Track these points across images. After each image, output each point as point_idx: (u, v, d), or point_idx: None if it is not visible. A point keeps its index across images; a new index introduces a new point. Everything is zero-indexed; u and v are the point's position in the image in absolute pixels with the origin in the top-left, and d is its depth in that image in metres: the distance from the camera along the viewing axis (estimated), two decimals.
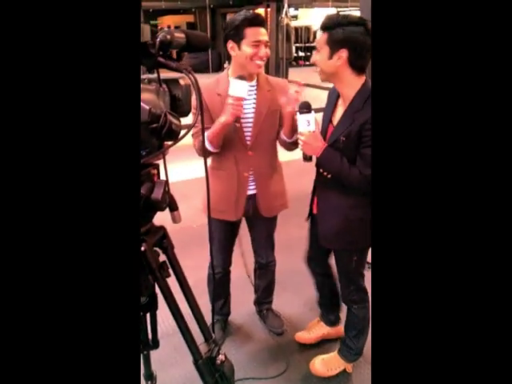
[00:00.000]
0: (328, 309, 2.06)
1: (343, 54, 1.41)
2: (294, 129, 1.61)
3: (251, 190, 1.82)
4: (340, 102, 1.58)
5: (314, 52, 1.51)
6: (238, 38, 1.59)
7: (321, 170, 1.61)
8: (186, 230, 2.90)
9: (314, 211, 1.76)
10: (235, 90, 1.54)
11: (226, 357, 1.14)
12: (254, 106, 1.71)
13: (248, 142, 1.74)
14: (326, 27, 1.43)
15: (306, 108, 1.50)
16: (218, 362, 1.10)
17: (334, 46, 1.41)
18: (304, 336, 2.08)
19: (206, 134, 1.63)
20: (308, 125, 1.49)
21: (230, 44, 1.62)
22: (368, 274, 1.78)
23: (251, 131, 1.73)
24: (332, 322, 2.06)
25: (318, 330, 2.08)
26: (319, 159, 1.54)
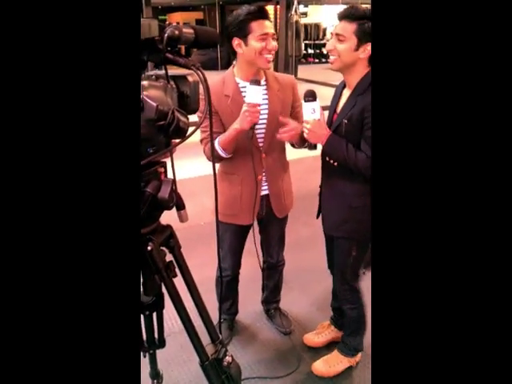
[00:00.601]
0: (340, 313, 2.01)
1: (369, 47, 1.41)
2: (303, 139, 1.60)
3: (263, 191, 1.79)
4: (345, 91, 1.57)
5: (332, 40, 1.47)
6: (244, 34, 1.53)
7: (327, 159, 1.60)
8: (193, 227, 2.89)
9: None
10: (251, 97, 1.49)
11: (232, 358, 1.13)
12: (267, 108, 1.66)
13: (261, 145, 1.70)
14: (354, 17, 1.40)
15: (311, 96, 1.48)
16: (225, 363, 1.09)
17: (364, 37, 1.40)
18: (313, 339, 2.05)
19: (217, 140, 1.60)
20: (313, 112, 1.48)
21: (236, 41, 1.55)
22: (366, 276, 1.77)
23: (264, 134, 1.68)
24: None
25: (327, 334, 2.05)
26: (325, 147, 1.53)
